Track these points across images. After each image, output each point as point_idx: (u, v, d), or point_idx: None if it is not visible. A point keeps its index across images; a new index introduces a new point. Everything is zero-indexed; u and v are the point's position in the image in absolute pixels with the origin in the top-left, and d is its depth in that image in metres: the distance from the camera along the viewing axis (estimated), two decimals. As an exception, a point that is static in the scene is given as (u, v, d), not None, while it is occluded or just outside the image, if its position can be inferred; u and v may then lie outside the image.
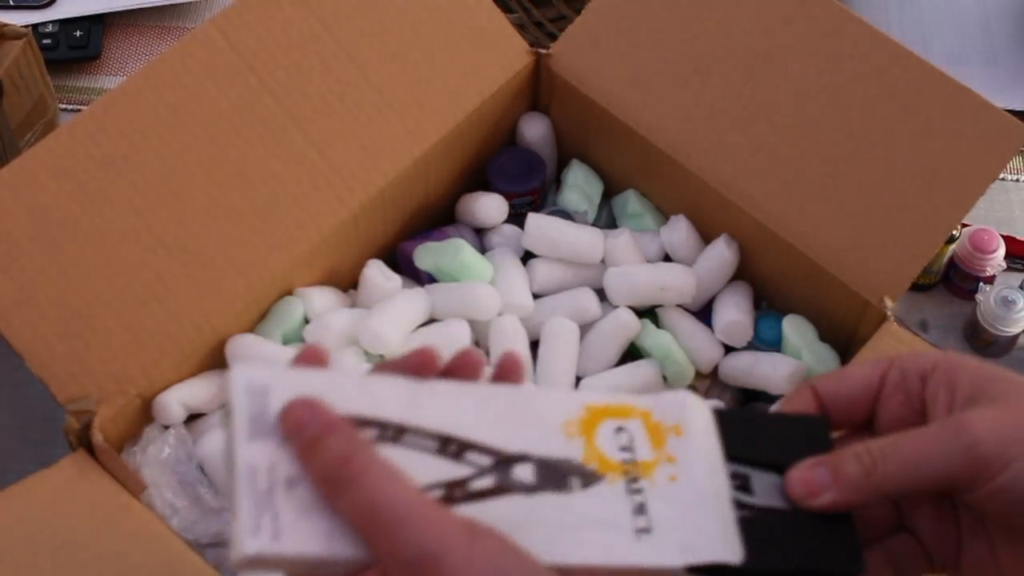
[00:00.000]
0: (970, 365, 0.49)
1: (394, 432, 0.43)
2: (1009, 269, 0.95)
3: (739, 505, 0.47)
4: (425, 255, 0.79)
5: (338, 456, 0.40)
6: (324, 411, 0.41)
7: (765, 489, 0.48)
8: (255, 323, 0.76)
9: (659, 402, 0.47)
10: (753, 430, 0.49)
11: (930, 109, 0.75)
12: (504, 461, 0.44)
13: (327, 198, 0.75)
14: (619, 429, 0.46)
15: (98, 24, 1.08)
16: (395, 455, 0.42)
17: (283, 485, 0.41)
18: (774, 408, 0.53)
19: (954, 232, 0.92)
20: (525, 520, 0.43)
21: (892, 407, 0.50)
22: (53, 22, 1.07)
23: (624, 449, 0.46)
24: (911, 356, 0.51)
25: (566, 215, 0.83)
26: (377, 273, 0.78)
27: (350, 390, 0.43)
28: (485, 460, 0.44)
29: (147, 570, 0.63)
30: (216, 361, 0.74)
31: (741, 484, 0.48)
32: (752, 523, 0.46)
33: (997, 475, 0.46)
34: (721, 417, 0.49)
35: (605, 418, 0.47)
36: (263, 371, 0.43)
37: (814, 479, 0.48)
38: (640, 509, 0.45)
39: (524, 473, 0.44)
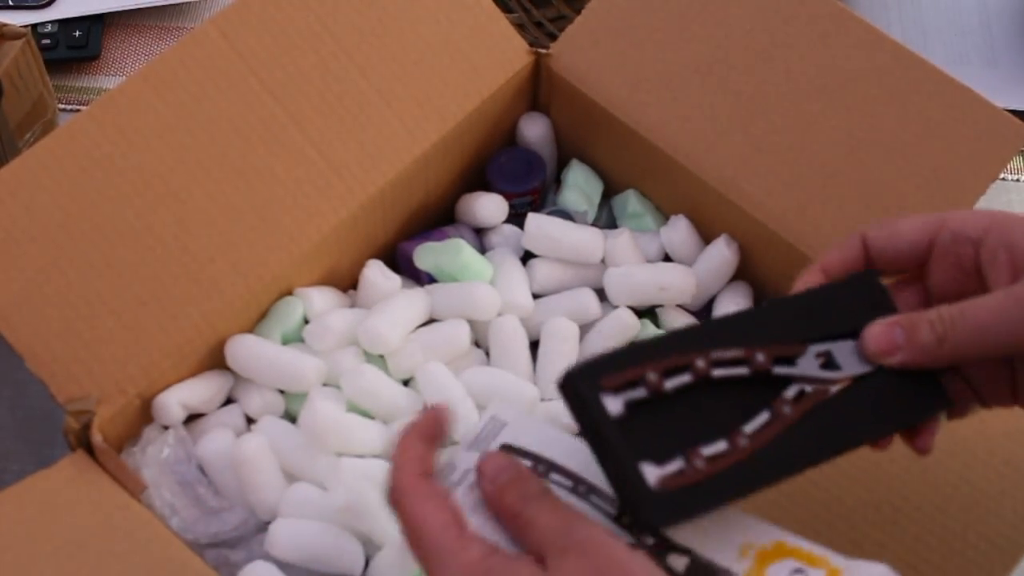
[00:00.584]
0: (1022, 224, 0.51)
1: (586, 488, 0.49)
2: (1009, 269, 0.95)
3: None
4: (425, 255, 0.79)
5: (536, 488, 0.47)
6: (519, 464, 0.48)
7: (848, 359, 0.51)
8: (255, 323, 0.76)
9: (856, 567, 0.47)
10: (814, 307, 0.52)
11: (930, 109, 0.75)
12: (667, 547, 0.47)
13: (327, 198, 0.75)
14: (797, 571, 0.46)
15: (97, 24, 1.08)
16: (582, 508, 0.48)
17: (466, 485, 0.48)
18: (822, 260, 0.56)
19: (954, 232, 0.92)
20: None
21: (944, 268, 0.53)
22: (52, 22, 1.07)
23: None
24: (961, 218, 0.52)
25: (566, 215, 0.83)
26: (377, 273, 0.78)
27: (565, 445, 0.50)
28: (649, 539, 0.47)
29: (146, 570, 0.63)
30: (216, 361, 0.74)
31: (826, 362, 0.50)
32: (851, 397, 0.50)
33: None
34: (780, 305, 0.51)
35: (789, 557, 0.47)
36: (511, 412, 0.51)
37: (890, 338, 0.51)
38: None
39: (677, 563, 0.46)
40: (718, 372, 0.49)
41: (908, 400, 0.52)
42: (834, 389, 0.51)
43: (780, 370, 0.50)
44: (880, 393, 0.51)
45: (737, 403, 0.49)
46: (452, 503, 0.47)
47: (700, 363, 0.48)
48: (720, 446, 0.47)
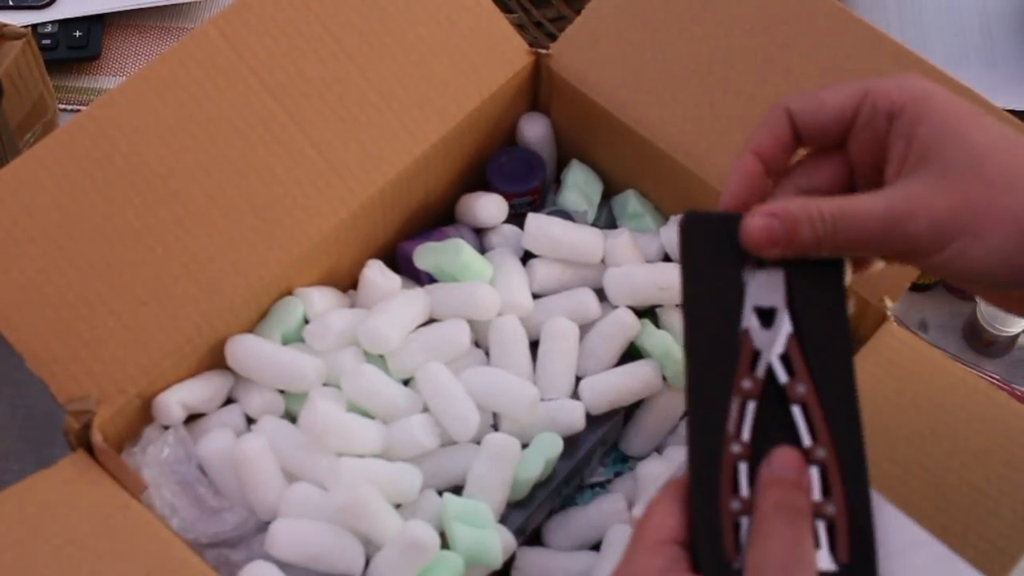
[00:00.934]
0: (934, 113, 0.51)
1: None
2: (1009, 269, 0.95)
3: None
4: (425, 255, 0.79)
5: (801, 503, 0.47)
6: (806, 475, 0.48)
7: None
8: (255, 323, 0.76)
9: None
10: (718, 235, 0.53)
11: (930, 109, 0.75)
12: None
13: (327, 198, 0.75)
14: None
15: (98, 24, 1.08)
16: None
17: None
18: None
19: (954, 232, 0.92)
20: None
21: (862, 142, 0.53)
22: (53, 22, 1.07)
23: None
24: (883, 90, 0.52)
25: (566, 215, 0.83)
26: (377, 273, 0.78)
27: None
28: None
29: (147, 570, 0.63)
30: (216, 361, 0.74)
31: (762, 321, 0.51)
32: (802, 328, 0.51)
33: (934, 255, 0.49)
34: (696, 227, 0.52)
35: None
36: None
37: (769, 233, 0.51)
38: None
39: None
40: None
41: (820, 283, 0.52)
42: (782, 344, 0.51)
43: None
44: (809, 295, 0.52)
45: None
46: (683, 519, 0.48)
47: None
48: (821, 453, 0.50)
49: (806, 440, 0.50)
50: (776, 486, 0.48)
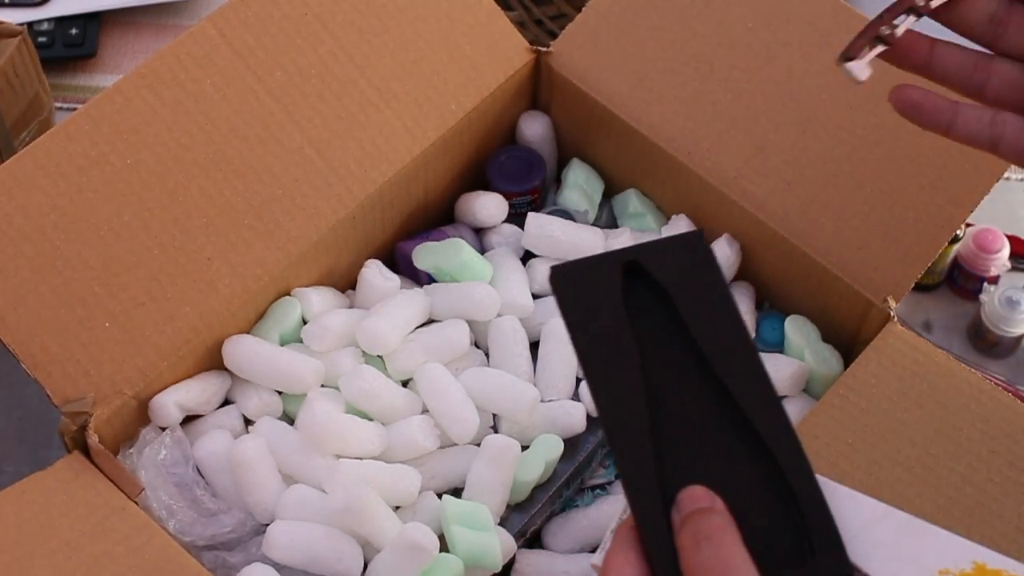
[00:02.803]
0: None
1: None
2: (1013, 269, 0.95)
3: None
4: (424, 255, 0.78)
5: (718, 525, 0.47)
6: (719, 500, 0.48)
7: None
8: (252, 324, 0.75)
9: None
10: (589, 280, 0.52)
11: (934, 108, 0.75)
12: None
13: (325, 197, 0.75)
14: None
15: (94, 22, 1.07)
16: None
17: None
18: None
19: (958, 232, 0.91)
20: None
21: None
22: (49, 20, 1.06)
23: None
24: None
25: (566, 215, 0.82)
26: (376, 273, 0.78)
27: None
28: None
29: (143, 573, 0.63)
30: (213, 362, 0.74)
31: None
32: None
33: None
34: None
35: None
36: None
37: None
38: None
39: None
40: None
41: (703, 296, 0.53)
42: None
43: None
44: None
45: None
46: (642, 565, 0.47)
47: None
48: None
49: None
50: (688, 522, 0.47)
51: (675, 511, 0.48)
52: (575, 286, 0.52)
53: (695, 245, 0.53)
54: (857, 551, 0.47)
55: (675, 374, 0.51)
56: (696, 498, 0.48)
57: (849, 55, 0.58)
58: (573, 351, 0.51)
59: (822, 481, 0.49)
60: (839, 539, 0.47)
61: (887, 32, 0.58)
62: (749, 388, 0.50)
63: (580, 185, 0.85)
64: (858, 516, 0.48)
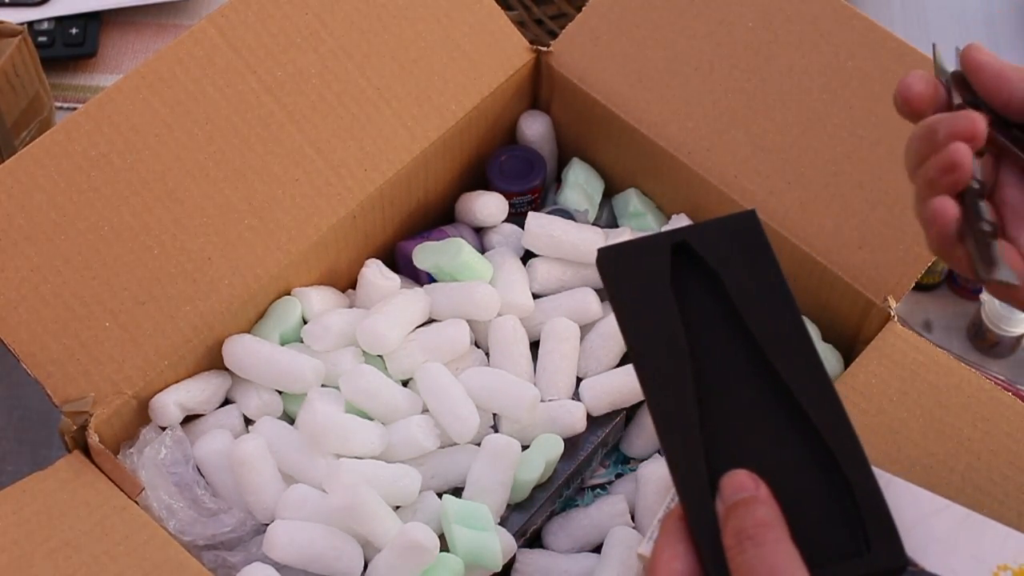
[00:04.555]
0: None
1: None
2: (1013, 269, 0.95)
3: None
4: (424, 255, 0.78)
5: (762, 520, 0.46)
6: (763, 487, 0.47)
7: None
8: (252, 323, 0.75)
9: None
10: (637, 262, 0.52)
11: (934, 107, 0.74)
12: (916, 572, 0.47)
13: (325, 197, 0.74)
14: None
15: (94, 22, 1.07)
16: None
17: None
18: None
19: (957, 231, 0.91)
20: None
21: None
22: (49, 20, 1.06)
23: None
24: None
25: (567, 214, 0.82)
26: (376, 273, 0.78)
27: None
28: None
29: (144, 572, 0.63)
30: (213, 362, 0.73)
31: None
32: None
33: None
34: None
35: None
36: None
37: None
38: None
39: None
40: None
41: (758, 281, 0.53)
42: None
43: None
44: None
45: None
46: (691, 557, 0.47)
47: None
48: None
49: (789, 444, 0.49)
50: (731, 516, 0.47)
51: (719, 498, 0.47)
52: (623, 268, 0.51)
53: (748, 225, 0.52)
54: (913, 544, 0.47)
55: (724, 358, 0.50)
56: (739, 485, 0.47)
57: (992, 277, 0.50)
58: (620, 333, 0.50)
59: (877, 472, 0.48)
60: (895, 531, 0.47)
61: (987, 228, 0.52)
62: (802, 374, 0.49)
63: (580, 185, 0.85)
64: (914, 509, 0.48)
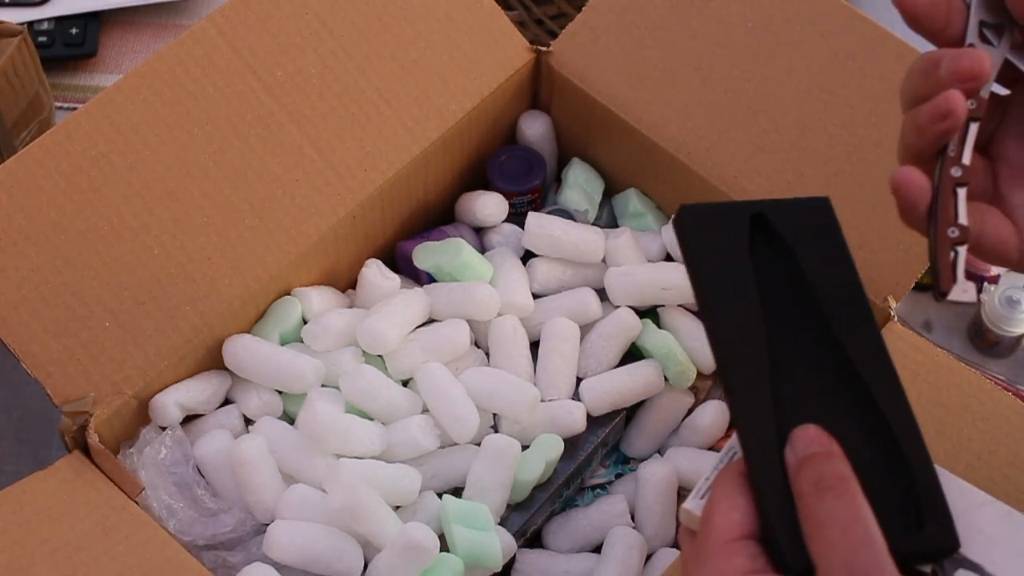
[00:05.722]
0: None
1: None
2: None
3: None
4: (424, 255, 0.78)
5: (839, 472, 0.45)
6: (836, 444, 0.47)
7: None
8: (252, 323, 0.75)
9: None
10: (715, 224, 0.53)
11: (934, 107, 0.74)
12: (957, 563, 0.47)
13: (325, 197, 0.74)
14: None
15: (94, 22, 1.07)
16: None
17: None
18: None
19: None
20: None
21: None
22: (49, 20, 1.06)
23: None
24: None
25: (567, 214, 0.82)
26: (376, 273, 0.78)
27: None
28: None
29: (144, 572, 0.63)
30: (213, 362, 0.73)
31: None
32: None
33: None
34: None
35: None
36: None
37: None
38: None
39: None
40: None
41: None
42: None
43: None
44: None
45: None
46: (751, 509, 0.46)
47: None
48: None
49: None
50: (807, 466, 0.46)
51: (789, 449, 0.47)
52: (702, 228, 0.52)
53: (822, 210, 0.53)
54: (958, 532, 0.47)
55: (794, 330, 0.51)
56: (812, 439, 0.46)
57: (942, 289, 0.51)
58: (692, 291, 0.51)
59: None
60: (949, 514, 0.47)
61: (954, 234, 0.50)
62: (867, 355, 0.50)
63: (580, 184, 0.84)
64: (960, 500, 0.48)
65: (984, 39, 0.51)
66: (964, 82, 0.48)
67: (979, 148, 0.52)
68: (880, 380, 0.50)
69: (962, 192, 0.50)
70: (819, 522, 0.44)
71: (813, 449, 0.46)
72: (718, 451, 0.78)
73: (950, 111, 0.49)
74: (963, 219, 0.50)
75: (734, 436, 0.50)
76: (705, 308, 0.51)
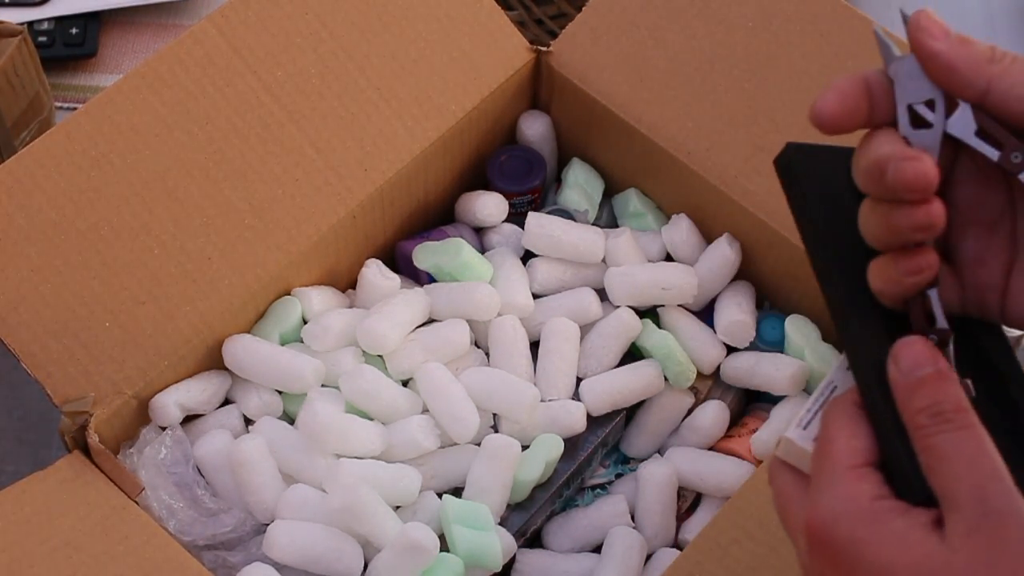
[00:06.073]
0: None
1: None
2: (1012, 268, 0.94)
3: None
4: (424, 255, 0.78)
5: (957, 401, 0.42)
6: (943, 361, 0.44)
7: None
8: (252, 323, 0.75)
9: None
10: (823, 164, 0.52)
11: (934, 107, 0.74)
12: None
13: (325, 197, 0.74)
14: None
15: (94, 22, 1.07)
16: None
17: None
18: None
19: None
20: None
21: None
22: (49, 20, 1.06)
23: None
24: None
25: (567, 214, 0.82)
26: (376, 273, 0.78)
27: None
28: None
29: (144, 572, 0.63)
30: (213, 362, 0.73)
31: None
32: None
33: None
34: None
35: None
36: None
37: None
38: None
39: None
40: None
41: None
42: None
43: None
44: None
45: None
46: (871, 438, 0.44)
47: None
48: None
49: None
50: (918, 392, 0.43)
51: (893, 365, 0.44)
52: (808, 167, 0.52)
53: None
54: None
55: None
56: (919, 356, 0.44)
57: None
58: (797, 227, 0.51)
59: None
60: None
61: (935, 339, 0.47)
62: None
63: (580, 184, 0.84)
64: None
65: (917, 123, 0.48)
66: (910, 192, 0.45)
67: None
68: (989, 339, 0.48)
69: (933, 294, 0.47)
70: (942, 455, 0.42)
71: (923, 370, 0.43)
72: (718, 451, 0.78)
73: (932, 225, 0.45)
74: (941, 323, 0.47)
75: (831, 371, 0.49)
76: (808, 239, 0.50)
